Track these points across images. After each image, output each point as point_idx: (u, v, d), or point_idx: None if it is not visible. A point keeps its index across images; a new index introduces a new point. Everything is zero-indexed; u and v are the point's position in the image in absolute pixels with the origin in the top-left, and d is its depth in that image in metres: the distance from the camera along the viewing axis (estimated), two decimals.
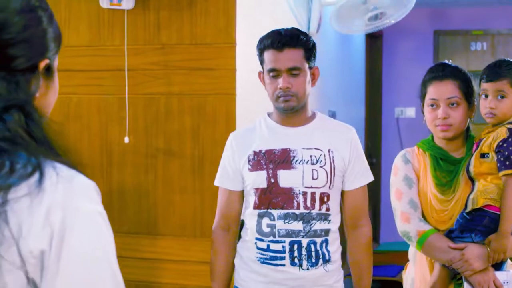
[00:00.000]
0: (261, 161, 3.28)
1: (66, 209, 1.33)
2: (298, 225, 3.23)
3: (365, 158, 3.41)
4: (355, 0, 5.07)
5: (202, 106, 4.28)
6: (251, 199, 3.33)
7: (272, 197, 3.25)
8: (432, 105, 3.34)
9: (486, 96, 3.27)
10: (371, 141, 9.22)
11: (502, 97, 3.23)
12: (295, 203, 3.23)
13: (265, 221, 3.27)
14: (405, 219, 3.34)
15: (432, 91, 3.35)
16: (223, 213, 3.45)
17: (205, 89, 4.27)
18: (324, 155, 3.27)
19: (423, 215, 3.36)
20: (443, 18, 9.52)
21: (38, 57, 1.47)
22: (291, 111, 3.29)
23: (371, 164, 8.57)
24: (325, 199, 3.26)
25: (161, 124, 4.37)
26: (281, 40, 3.23)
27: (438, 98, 3.32)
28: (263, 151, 3.30)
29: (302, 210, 3.23)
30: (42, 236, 1.29)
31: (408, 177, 3.40)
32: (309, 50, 3.27)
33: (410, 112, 9.30)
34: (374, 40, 9.34)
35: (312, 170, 3.24)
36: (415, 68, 9.49)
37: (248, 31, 4.38)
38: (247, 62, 4.32)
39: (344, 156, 3.30)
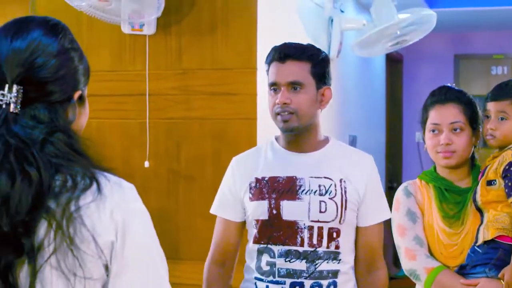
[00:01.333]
0: (264, 190, 2.89)
1: (123, 209, 1.69)
2: (301, 265, 2.82)
3: (383, 192, 3.04)
4: (383, 29, 5.09)
5: (223, 131, 4.29)
6: (251, 232, 2.95)
7: (273, 231, 2.86)
8: (433, 130, 3.11)
9: (488, 116, 3.11)
10: (392, 165, 9.19)
11: (503, 118, 3.06)
12: (299, 239, 2.83)
13: (265, 258, 2.88)
14: (410, 257, 3.06)
15: (434, 115, 3.12)
16: (219, 246, 3.09)
17: (226, 113, 4.28)
18: (335, 186, 2.86)
19: (430, 252, 3.09)
20: (464, 42, 9.52)
21: (72, 90, 1.75)
22: (292, 132, 2.89)
23: (391, 189, 8.56)
24: (335, 235, 2.85)
25: (182, 149, 4.38)
26: (285, 51, 2.90)
27: (440, 122, 3.09)
28: (266, 179, 2.91)
29: (306, 247, 2.82)
30: (110, 231, 1.65)
31: (411, 211, 3.12)
32: (318, 65, 2.89)
33: None
34: (394, 64, 9.35)
35: (320, 201, 2.83)
36: None
37: None
38: (267, 86, 4.32)
39: (359, 187, 2.89)
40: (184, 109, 4.36)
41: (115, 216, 1.67)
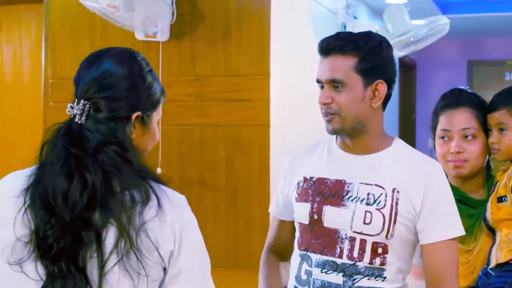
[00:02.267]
0: (309, 191, 2.62)
1: (181, 221, 1.97)
2: (337, 278, 2.54)
3: (452, 205, 2.58)
4: (398, 40, 5.08)
5: (236, 137, 4.28)
6: (296, 235, 2.71)
7: (312, 238, 2.59)
8: (443, 137, 2.86)
9: (490, 130, 2.85)
10: None
11: (503, 129, 2.79)
12: (338, 250, 2.54)
13: (304, 266, 2.62)
14: (417, 275, 2.78)
15: (444, 120, 2.86)
16: (271, 243, 2.92)
17: (239, 120, 4.28)
18: (386, 195, 2.52)
19: None
20: (477, 48, 9.50)
21: (130, 110, 2.00)
22: (336, 134, 2.63)
23: None
24: (380, 250, 2.52)
25: (195, 155, 4.38)
26: (328, 42, 2.57)
27: (451, 129, 2.83)
28: (314, 179, 2.63)
29: (345, 259, 2.53)
30: (170, 241, 1.93)
31: None
32: (366, 59, 2.53)
33: None
34: (407, 70, 9.34)
35: (366, 212, 2.52)
36: None
37: (282, 62, 4.39)
38: (281, 93, 4.33)
39: (415, 199, 2.52)
40: (197, 115, 4.37)
41: (174, 228, 1.95)
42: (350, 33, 2.59)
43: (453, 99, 2.88)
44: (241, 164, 4.29)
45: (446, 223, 2.54)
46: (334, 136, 2.67)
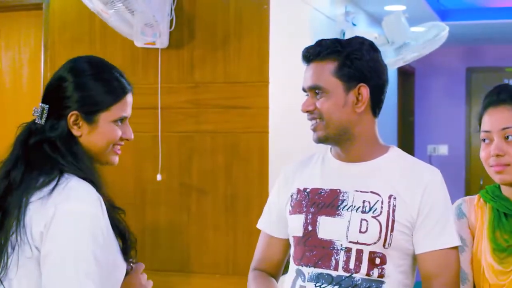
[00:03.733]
0: (303, 202, 2.51)
1: (60, 208, 2.06)
2: None
3: (449, 214, 2.46)
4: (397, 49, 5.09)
5: (235, 144, 4.29)
6: (291, 250, 2.57)
7: (306, 250, 2.46)
8: (484, 140, 2.51)
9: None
10: None
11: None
12: (333, 262, 2.40)
13: (298, 282, 2.48)
14: None
15: (486, 121, 2.51)
16: (260, 262, 2.71)
17: (238, 127, 4.28)
18: (382, 202, 2.40)
19: None
20: (476, 55, 9.51)
21: (65, 111, 2.21)
22: (322, 143, 2.51)
23: None
24: (377, 261, 2.38)
25: (194, 162, 4.39)
26: (308, 51, 2.52)
27: (491, 129, 2.47)
28: (308, 190, 2.53)
29: (340, 272, 2.39)
30: (41, 223, 2.06)
31: (461, 237, 2.49)
32: (347, 63, 2.44)
33: (443, 149, 9.26)
34: (406, 77, 9.34)
35: (361, 220, 2.40)
36: (448, 106, 9.48)
37: (281, 69, 4.40)
38: (280, 100, 4.34)
39: (412, 206, 2.40)
40: (196, 122, 4.37)
41: (49, 211, 2.06)
42: (333, 40, 2.52)
43: (494, 96, 2.52)
44: (240, 171, 4.29)
45: (443, 232, 2.41)
46: (329, 146, 2.59)
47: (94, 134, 2.24)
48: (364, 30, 6.18)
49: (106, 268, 2.12)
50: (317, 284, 2.41)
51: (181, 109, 4.39)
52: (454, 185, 8.77)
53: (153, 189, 4.45)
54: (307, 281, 2.43)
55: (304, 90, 2.53)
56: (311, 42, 4.68)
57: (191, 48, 4.39)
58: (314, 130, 2.49)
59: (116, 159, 2.37)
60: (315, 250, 2.44)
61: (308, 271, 2.43)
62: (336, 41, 2.50)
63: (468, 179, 9.18)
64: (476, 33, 8.66)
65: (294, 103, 4.63)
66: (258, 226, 2.73)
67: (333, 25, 5.50)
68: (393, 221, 2.39)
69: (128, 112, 2.31)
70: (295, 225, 2.51)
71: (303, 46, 4.05)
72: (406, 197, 2.41)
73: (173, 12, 4.34)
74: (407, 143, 9.32)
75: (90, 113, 2.22)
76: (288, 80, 4.50)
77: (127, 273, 2.30)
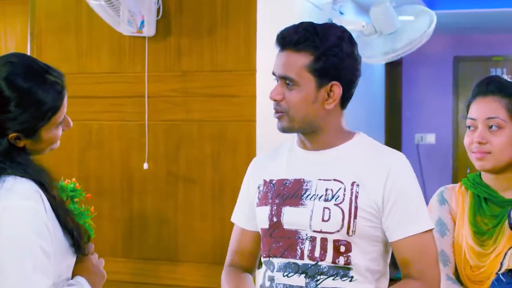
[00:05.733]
0: (268, 194, 2.47)
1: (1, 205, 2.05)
2: (299, 280, 2.38)
3: (419, 198, 2.41)
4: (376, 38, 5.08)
5: (222, 133, 4.29)
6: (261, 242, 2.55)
7: (273, 242, 2.43)
8: (469, 127, 2.61)
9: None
10: None
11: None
12: (298, 251, 2.38)
13: (268, 273, 2.46)
14: None
15: (473, 109, 2.60)
16: (233, 255, 2.68)
17: (225, 116, 4.28)
18: (345, 190, 2.36)
19: (456, 273, 2.62)
20: (463, 44, 9.52)
21: (4, 130, 2.15)
22: (285, 132, 2.46)
23: None
24: (342, 249, 2.35)
25: (182, 151, 4.38)
26: (284, 36, 2.40)
27: (476, 117, 2.58)
28: (274, 181, 2.49)
29: (306, 260, 2.37)
30: None
31: (442, 222, 2.64)
32: (322, 59, 2.35)
33: (430, 138, 9.27)
34: (393, 66, 9.34)
35: (324, 208, 2.36)
36: (435, 94, 9.49)
37: (268, 58, 4.36)
38: (267, 89, 4.29)
39: (376, 192, 2.36)
40: (183, 111, 4.36)
41: None
42: (310, 26, 2.39)
43: (483, 86, 2.61)
44: (227, 160, 4.29)
45: (415, 218, 2.36)
46: (296, 135, 2.52)
47: (38, 143, 2.23)
48: (352, 18, 6.18)
49: (56, 257, 2.12)
50: (285, 274, 2.40)
51: (168, 97, 4.38)
52: (442, 174, 8.80)
53: (140, 178, 4.45)
54: (276, 271, 2.42)
55: (274, 74, 2.43)
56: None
57: (178, 37, 4.38)
58: (278, 119, 2.42)
59: (57, 144, 2.31)
60: (281, 241, 2.41)
61: (277, 261, 2.41)
62: (314, 31, 2.37)
63: (455, 167, 9.20)
64: (464, 22, 8.66)
65: None
66: (231, 219, 2.71)
67: (320, 13, 5.49)
68: (355, 208, 2.34)
69: (65, 110, 2.26)
70: (262, 217, 2.47)
71: None
72: (369, 183, 2.36)
73: (160, 1, 4.33)
74: (394, 132, 9.34)
75: (32, 132, 2.19)
76: None
77: (85, 254, 2.31)
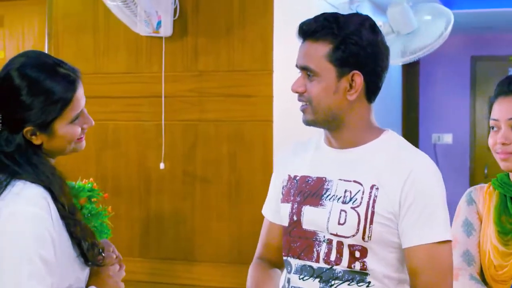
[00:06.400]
0: (291, 191, 2.41)
1: (2, 209, 2.06)
2: (313, 284, 2.30)
3: (440, 205, 2.25)
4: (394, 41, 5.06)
5: (239, 133, 4.28)
6: None
7: (291, 241, 2.37)
8: (493, 127, 2.59)
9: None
10: None
11: None
12: (315, 253, 2.30)
13: (286, 273, 2.42)
14: (453, 276, 2.38)
15: (496, 109, 2.58)
16: (262, 248, 2.62)
17: (242, 116, 4.28)
18: (363, 192, 2.26)
19: (481, 273, 2.58)
20: (480, 44, 9.48)
21: (18, 126, 2.16)
22: (310, 125, 2.39)
23: None
24: (357, 254, 2.25)
25: (198, 151, 4.38)
26: (304, 27, 2.35)
27: (499, 118, 2.55)
28: (297, 177, 2.42)
29: (321, 263, 2.29)
30: None
31: (469, 222, 2.60)
32: (341, 47, 2.26)
33: (448, 138, 9.24)
34: (411, 66, 9.31)
35: (341, 211, 2.27)
36: (452, 94, 9.46)
37: (285, 58, 4.38)
38: (284, 88, 4.31)
39: (394, 195, 2.23)
40: (199, 111, 4.36)
41: None
42: (331, 16, 2.31)
43: (505, 86, 2.59)
44: (244, 160, 4.29)
45: (431, 225, 2.22)
46: (323, 131, 2.44)
47: (54, 139, 2.22)
48: None
49: (63, 267, 2.12)
50: (300, 277, 2.34)
51: (184, 97, 4.39)
52: (459, 174, 8.76)
53: (156, 178, 4.45)
54: (293, 273, 2.36)
55: (297, 66, 2.38)
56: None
57: (195, 37, 4.38)
58: (303, 112, 2.36)
59: (82, 145, 2.31)
60: (299, 241, 2.34)
61: (294, 262, 2.36)
62: (334, 20, 2.29)
63: (472, 167, 9.16)
64: (481, 22, 8.63)
65: None
66: (262, 211, 2.65)
67: None
68: (372, 212, 2.23)
69: (82, 105, 2.25)
70: (283, 215, 2.41)
71: None
72: (388, 187, 2.24)
73: (176, 1, 4.33)
74: (411, 132, 9.31)
75: (45, 125, 2.18)
76: (292, 68, 4.48)
77: (100, 266, 2.29)
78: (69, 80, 2.20)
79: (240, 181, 4.28)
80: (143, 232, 4.50)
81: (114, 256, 2.38)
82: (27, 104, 2.15)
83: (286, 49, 4.44)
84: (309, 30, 2.31)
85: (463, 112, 9.33)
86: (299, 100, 2.35)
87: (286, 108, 4.33)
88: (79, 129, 2.26)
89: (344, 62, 2.26)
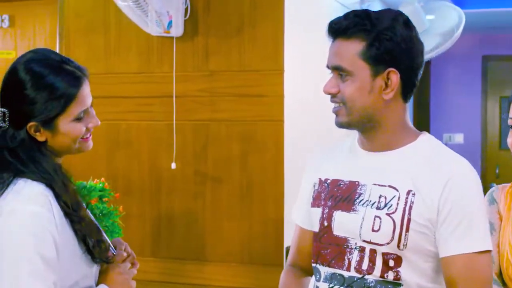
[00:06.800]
0: (322, 195, 2.29)
1: (3, 207, 2.06)
2: None
3: (479, 213, 2.13)
4: None
5: (250, 133, 4.28)
6: None
7: (322, 247, 2.25)
8: (511, 126, 2.51)
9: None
10: None
11: None
12: (346, 261, 2.19)
13: (315, 281, 2.30)
14: None
15: None
16: (293, 254, 2.49)
17: (253, 115, 4.27)
18: (399, 198, 2.13)
19: (499, 274, 2.52)
20: (492, 43, 9.45)
21: (22, 121, 2.17)
22: (343, 127, 2.24)
23: None
24: (391, 263, 2.13)
25: (209, 151, 4.38)
26: (334, 24, 2.19)
27: None
28: (328, 181, 2.30)
29: (352, 272, 2.18)
30: None
31: (490, 222, 2.41)
32: (376, 44, 2.14)
33: (459, 138, 9.22)
34: None
35: (375, 217, 2.14)
36: (464, 94, 9.43)
37: (296, 57, 4.38)
38: (295, 88, 4.32)
39: (431, 202, 2.11)
40: (211, 110, 4.36)
41: None
42: (362, 13, 2.18)
43: None
44: (255, 160, 4.29)
45: (465, 233, 2.10)
46: (356, 132, 2.30)
47: (58, 136, 2.21)
48: None
49: (67, 264, 2.11)
50: (330, 285, 2.22)
51: (196, 97, 4.39)
52: None
53: (168, 178, 4.45)
54: (322, 281, 2.25)
55: (328, 67, 2.22)
56: (326, 30, 4.55)
57: (206, 37, 4.38)
58: (336, 114, 2.20)
59: (89, 145, 2.30)
60: (330, 247, 2.23)
61: (324, 270, 2.24)
62: (365, 15, 2.16)
63: (484, 167, 9.14)
64: (492, 21, 8.60)
65: (309, 91, 4.62)
66: (292, 216, 2.50)
67: None
68: (408, 219, 2.10)
69: (87, 103, 2.23)
70: (314, 220, 2.28)
71: (318, 34, 3.99)
72: (425, 193, 2.11)
73: (187, 1, 4.33)
74: (422, 131, 9.29)
75: (48, 120, 2.18)
76: (303, 68, 4.48)
77: (108, 262, 2.29)
78: (74, 77, 2.19)
79: (251, 181, 4.28)
80: (154, 232, 4.50)
81: (125, 254, 2.38)
82: (31, 98, 2.15)
83: (297, 49, 4.44)
84: (340, 28, 2.16)
85: (475, 112, 9.30)
86: (332, 101, 2.21)
87: (297, 107, 4.33)
88: (84, 128, 2.23)
89: (379, 59, 2.14)
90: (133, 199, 4.49)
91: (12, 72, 2.19)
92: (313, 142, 4.49)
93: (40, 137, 2.18)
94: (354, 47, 2.13)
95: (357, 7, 5.50)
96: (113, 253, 2.33)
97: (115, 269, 2.30)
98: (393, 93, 2.17)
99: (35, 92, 2.15)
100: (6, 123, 2.17)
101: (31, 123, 2.16)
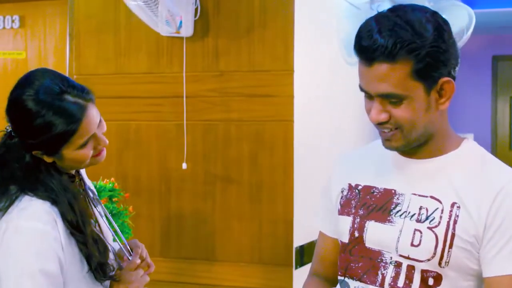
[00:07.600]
0: (352, 202, 2.14)
1: (9, 224, 2.08)
2: None
3: None
4: None
5: (260, 133, 4.28)
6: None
7: (352, 260, 2.10)
8: None
9: None
10: None
11: None
12: (379, 277, 2.03)
13: None
14: None
15: None
16: (317, 259, 2.38)
17: (263, 116, 4.27)
18: (442, 211, 1.97)
19: None
20: (502, 43, 9.44)
21: (28, 146, 2.19)
22: (396, 151, 2.09)
23: None
24: (431, 282, 1.97)
25: (219, 151, 4.38)
26: (369, 49, 1.92)
27: None
28: (360, 187, 2.15)
29: None
30: None
31: None
32: (425, 58, 1.91)
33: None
34: None
35: (415, 230, 1.98)
36: (474, 94, 9.42)
37: (306, 57, 4.38)
38: (305, 88, 4.32)
39: (478, 218, 1.93)
40: (221, 111, 4.36)
41: (1, 229, 2.09)
42: (394, 27, 1.91)
43: None
44: (265, 160, 4.28)
45: None
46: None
47: (65, 161, 2.24)
48: None
49: (72, 280, 2.14)
50: None
51: (206, 97, 4.39)
52: None
53: (178, 178, 4.46)
54: None
55: (363, 90, 2.02)
56: (336, 30, 4.53)
57: (216, 37, 4.38)
58: (389, 140, 2.03)
59: (101, 158, 2.34)
60: (361, 261, 2.08)
61: (353, 285, 2.10)
62: (403, 30, 1.91)
63: None
64: (503, 21, 8.59)
65: (319, 91, 4.63)
66: (316, 223, 2.39)
67: (358, 13, 5.47)
68: (453, 234, 1.95)
69: (91, 130, 2.23)
70: (342, 229, 2.15)
71: (328, 34, 4.01)
72: (472, 205, 1.95)
73: (197, 1, 4.33)
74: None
75: (52, 151, 2.21)
76: (313, 68, 4.48)
77: (114, 280, 2.30)
78: (75, 111, 2.16)
79: (261, 181, 4.28)
80: (163, 232, 4.51)
81: (138, 261, 2.38)
82: (31, 133, 2.17)
83: (307, 49, 4.44)
84: (382, 50, 1.90)
85: (485, 112, 9.29)
86: (382, 127, 2.02)
87: (307, 108, 4.33)
88: (90, 152, 2.25)
89: (430, 73, 1.96)
90: (142, 199, 4.49)
91: (15, 101, 2.19)
92: (323, 142, 4.49)
93: (48, 159, 2.23)
94: (403, 69, 1.92)
95: (367, 7, 5.50)
96: (128, 258, 2.34)
97: (126, 278, 2.31)
98: (449, 101, 2.03)
99: (34, 128, 2.16)
100: (15, 138, 2.21)
101: (36, 151, 2.20)
